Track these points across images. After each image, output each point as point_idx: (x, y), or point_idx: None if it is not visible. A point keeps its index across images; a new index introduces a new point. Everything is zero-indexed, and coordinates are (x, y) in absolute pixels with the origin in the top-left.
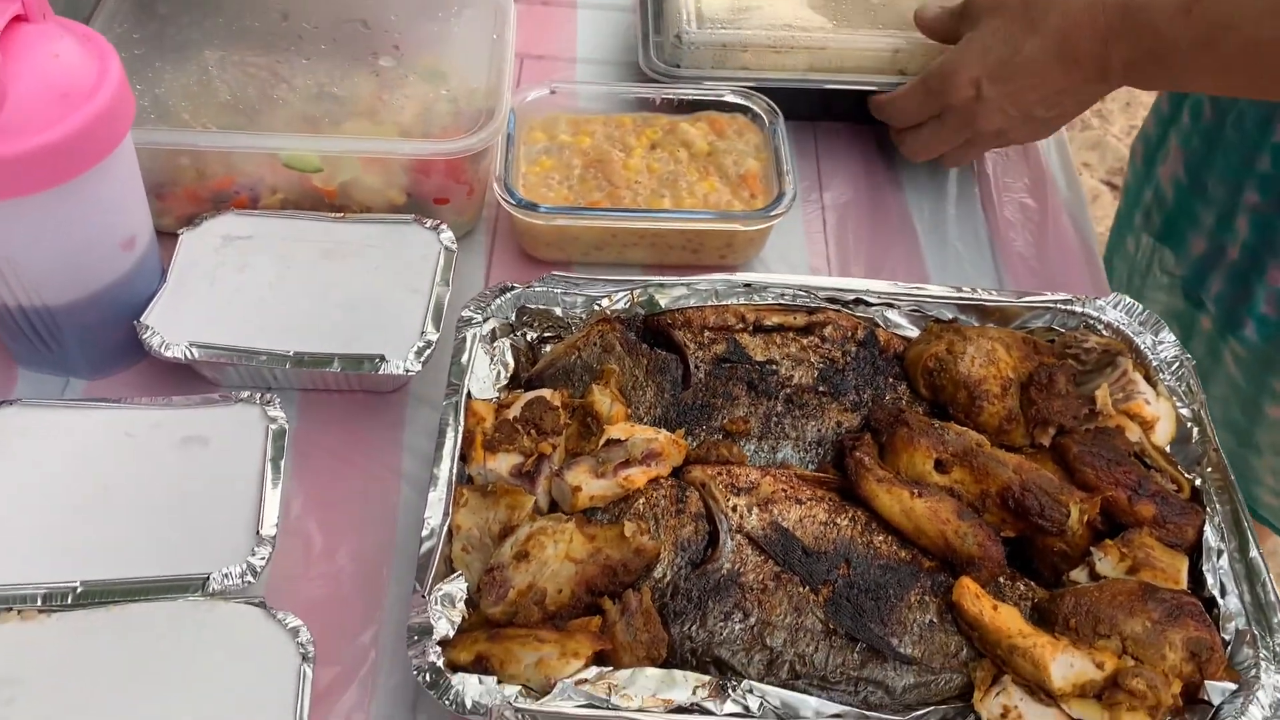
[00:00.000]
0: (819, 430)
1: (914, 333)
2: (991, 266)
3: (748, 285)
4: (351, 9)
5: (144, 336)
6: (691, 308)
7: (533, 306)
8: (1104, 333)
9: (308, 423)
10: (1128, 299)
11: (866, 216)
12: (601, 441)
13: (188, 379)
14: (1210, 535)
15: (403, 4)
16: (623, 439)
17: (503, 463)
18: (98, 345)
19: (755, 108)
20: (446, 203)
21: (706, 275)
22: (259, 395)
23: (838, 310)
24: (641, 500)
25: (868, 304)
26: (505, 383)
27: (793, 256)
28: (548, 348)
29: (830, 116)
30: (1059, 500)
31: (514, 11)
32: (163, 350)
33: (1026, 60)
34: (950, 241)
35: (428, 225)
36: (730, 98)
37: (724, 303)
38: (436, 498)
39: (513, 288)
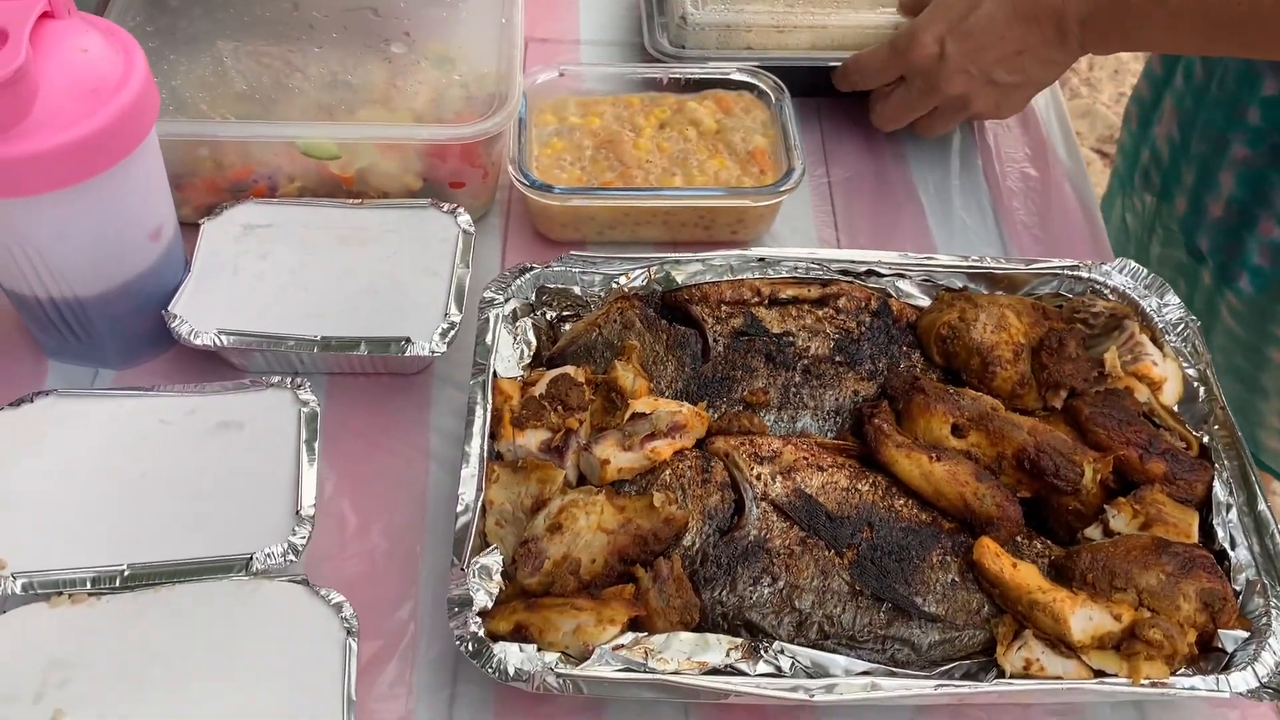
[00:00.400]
0: (837, 399)
1: (926, 302)
2: (996, 236)
3: (762, 260)
4: None
5: (173, 325)
6: (708, 283)
7: (552, 286)
8: (1110, 297)
9: (335, 406)
10: (1132, 263)
11: (872, 190)
12: (627, 416)
13: (214, 366)
14: (1219, 490)
15: None
16: (647, 413)
17: (531, 439)
18: (127, 335)
19: (761, 85)
20: (462, 186)
21: (721, 251)
22: (289, 380)
23: (850, 282)
24: (668, 471)
25: (880, 275)
26: (529, 361)
27: (802, 231)
28: (568, 326)
29: (833, 93)
30: (1073, 460)
31: None
32: (192, 338)
33: (986, 16)
34: (955, 212)
35: (445, 209)
36: (737, 76)
37: (739, 277)
38: (469, 474)
39: (532, 268)
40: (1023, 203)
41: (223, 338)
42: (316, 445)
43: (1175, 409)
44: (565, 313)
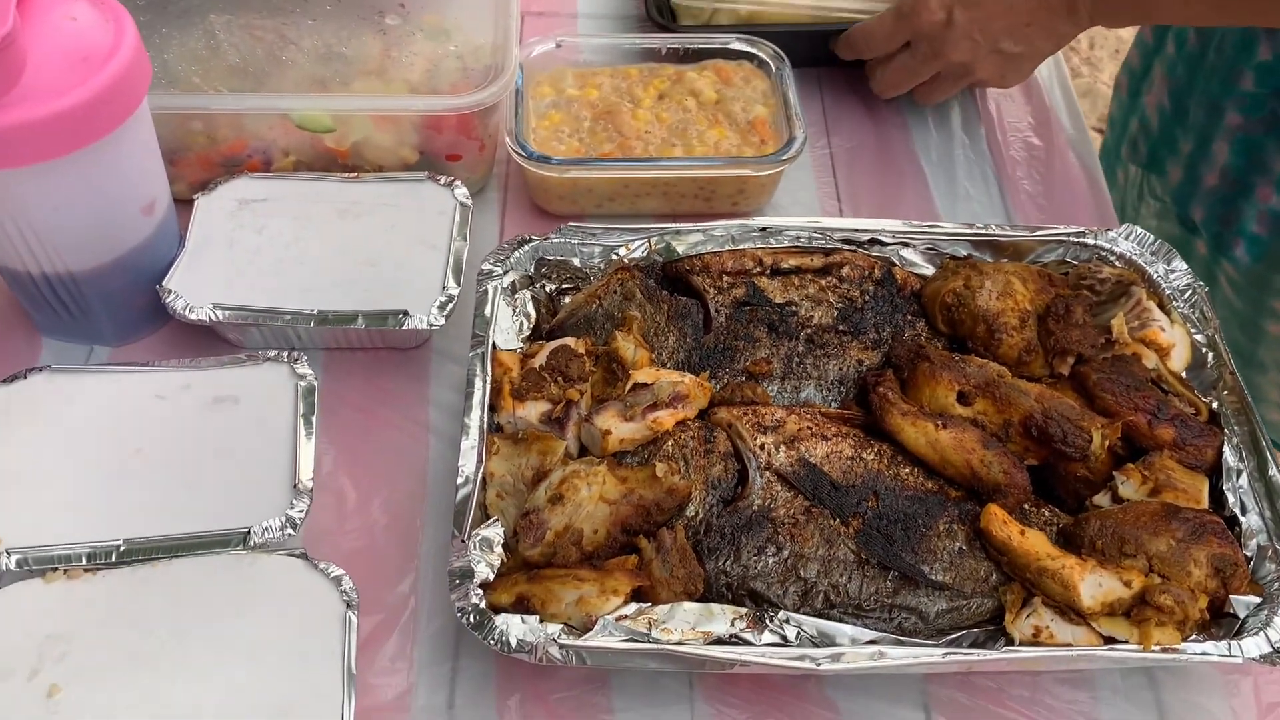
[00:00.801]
0: (840, 369)
1: (930, 270)
2: (1000, 205)
3: (764, 229)
4: None
5: (167, 300)
6: (709, 253)
7: (551, 258)
8: (1116, 264)
9: (333, 381)
10: (1139, 229)
11: (875, 159)
12: (628, 387)
13: (210, 342)
14: (1229, 456)
15: None
16: (649, 383)
17: (531, 410)
18: (122, 310)
19: (761, 54)
20: (459, 159)
21: (722, 221)
22: (286, 354)
23: (854, 251)
24: (670, 442)
25: (883, 244)
26: (528, 334)
27: (804, 201)
28: (567, 298)
29: (835, 62)
30: (1081, 426)
31: None
32: (186, 313)
33: None
34: (959, 181)
35: (441, 182)
36: (736, 45)
37: (741, 247)
38: (469, 446)
39: (531, 240)
40: (1027, 172)
41: (218, 312)
42: (314, 419)
43: (1184, 375)
44: (565, 285)
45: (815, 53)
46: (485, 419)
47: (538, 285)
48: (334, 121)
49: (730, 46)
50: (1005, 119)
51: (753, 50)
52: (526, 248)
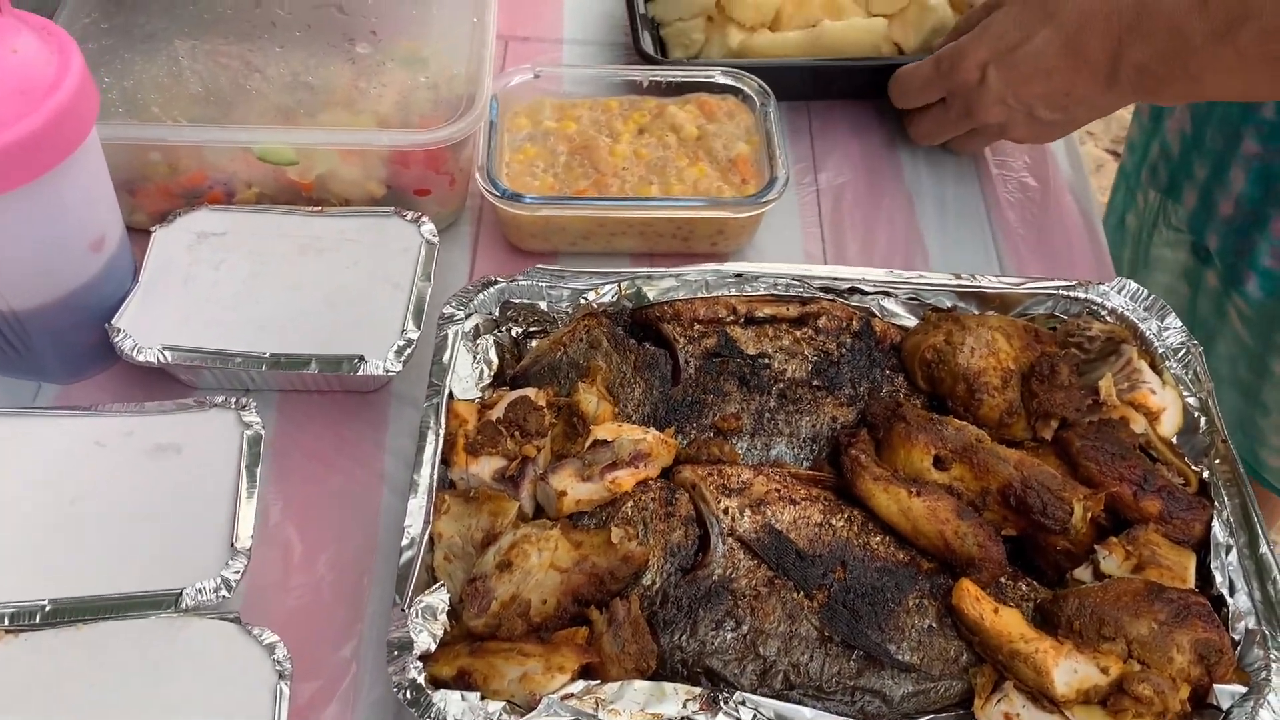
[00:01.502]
0: (814, 426)
1: (912, 321)
2: (992, 247)
3: (739, 275)
4: None
5: (116, 340)
6: (681, 300)
7: (517, 301)
8: (1108, 319)
9: (287, 424)
10: (1132, 284)
11: (863, 198)
12: (588, 443)
13: (163, 381)
14: (1219, 530)
15: None
16: (609, 440)
17: (485, 467)
18: (69, 349)
19: (746, 89)
20: (428, 194)
21: (696, 266)
22: (234, 400)
23: (832, 300)
24: (630, 504)
25: (863, 293)
26: (489, 381)
27: (787, 240)
28: (533, 343)
29: (826, 96)
30: (1061, 497)
31: None
32: (135, 354)
33: (1036, 50)
34: (950, 222)
35: (408, 218)
36: (721, 78)
37: (714, 294)
38: (417, 505)
39: (496, 282)
40: (1020, 215)
41: (167, 354)
42: (259, 471)
43: (1174, 441)
44: (532, 329)
45: (805, 86)
46: (436, 475)
47: (503, 329)
48: (298, 154)
49: (715, 80)
50: (1001, 157)
51: (738, 84)
52: (492, 290)
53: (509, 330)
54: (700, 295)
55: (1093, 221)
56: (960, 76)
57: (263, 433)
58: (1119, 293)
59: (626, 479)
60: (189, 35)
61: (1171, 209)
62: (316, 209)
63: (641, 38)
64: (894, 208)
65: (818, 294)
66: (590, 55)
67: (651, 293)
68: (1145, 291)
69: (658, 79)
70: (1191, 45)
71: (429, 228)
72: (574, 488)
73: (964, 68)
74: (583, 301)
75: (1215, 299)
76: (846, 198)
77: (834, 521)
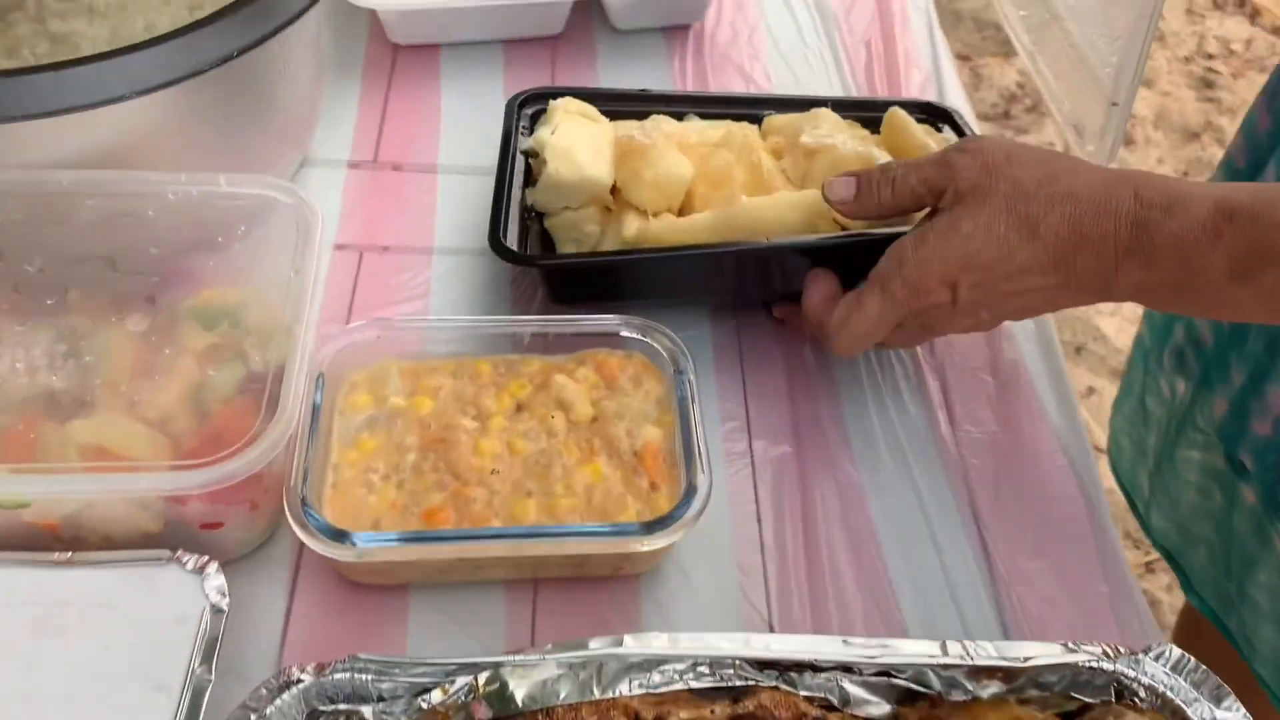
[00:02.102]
0: None
1: (884, 710)
2: (981, 555)
3: (643, 662)
4: (92, 243)
5: None
6: (561, 705)
7: (328, 709)
8: (1142, 700)
9: None
10: (1176, 650)
11: (812, 473)
12: None
13: None
14: None
15: (166, 231)
16: None
17: None
18: None
19: (656, 345)
20: (219, 527)
21: (586, 651)
22: None
23: (774, 688)
24: None
25: (817, 669)
26: None
27: (713, 560)
28: None
29: (752, 303)
30: None
31: (324, 229)
32: None
33: (1018, 270)
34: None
35: (189, 566)
36: (625, 332)
37: (606, 695)
38: None
39: (299, 680)
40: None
41: None
42: None
43: None
44: None
45: (729, 283)
46: None
47: None
48: (32, 495)
49: (619, 333)
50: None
51: (645, 339)
52: (294, 691)
53: None
54: (590, 697)
55: (1103, 523)
56: (925, 300)
57: None
58: (1156, 660)
59: None
60: None
61: (1200, 407)
62: (64, 557)
63: (505, 231)
64: (852, 496)
65: (755, 679)
66: (467, 270)
67: (520, 691)
68: (1192, 662)
69: (542, 331)
70: (1205, 279)
71: (216, 582)
72: None
73: (927, 290)
74: (423, 706)
75: (1254, 520)
76: (789, 471)
77: None
